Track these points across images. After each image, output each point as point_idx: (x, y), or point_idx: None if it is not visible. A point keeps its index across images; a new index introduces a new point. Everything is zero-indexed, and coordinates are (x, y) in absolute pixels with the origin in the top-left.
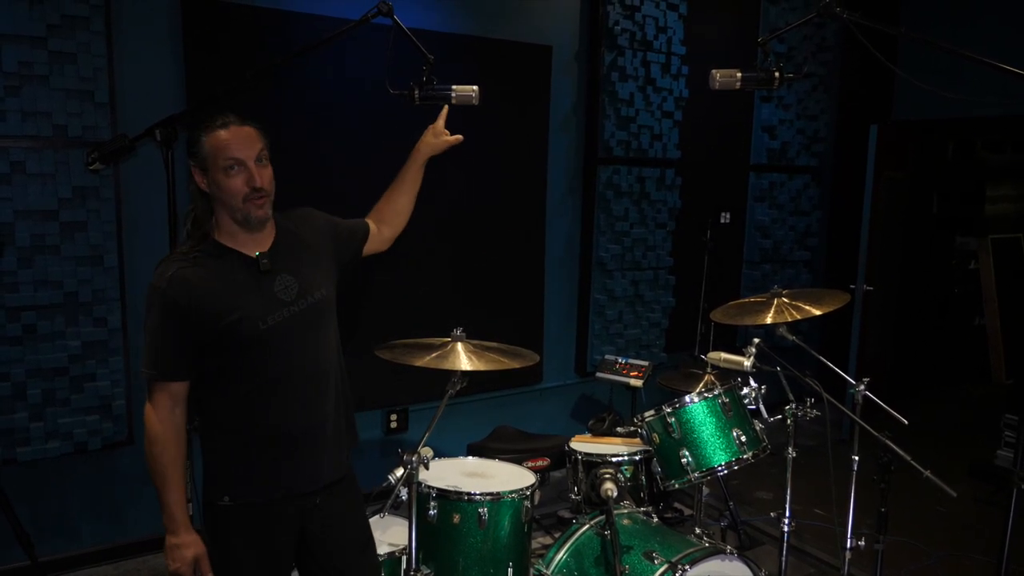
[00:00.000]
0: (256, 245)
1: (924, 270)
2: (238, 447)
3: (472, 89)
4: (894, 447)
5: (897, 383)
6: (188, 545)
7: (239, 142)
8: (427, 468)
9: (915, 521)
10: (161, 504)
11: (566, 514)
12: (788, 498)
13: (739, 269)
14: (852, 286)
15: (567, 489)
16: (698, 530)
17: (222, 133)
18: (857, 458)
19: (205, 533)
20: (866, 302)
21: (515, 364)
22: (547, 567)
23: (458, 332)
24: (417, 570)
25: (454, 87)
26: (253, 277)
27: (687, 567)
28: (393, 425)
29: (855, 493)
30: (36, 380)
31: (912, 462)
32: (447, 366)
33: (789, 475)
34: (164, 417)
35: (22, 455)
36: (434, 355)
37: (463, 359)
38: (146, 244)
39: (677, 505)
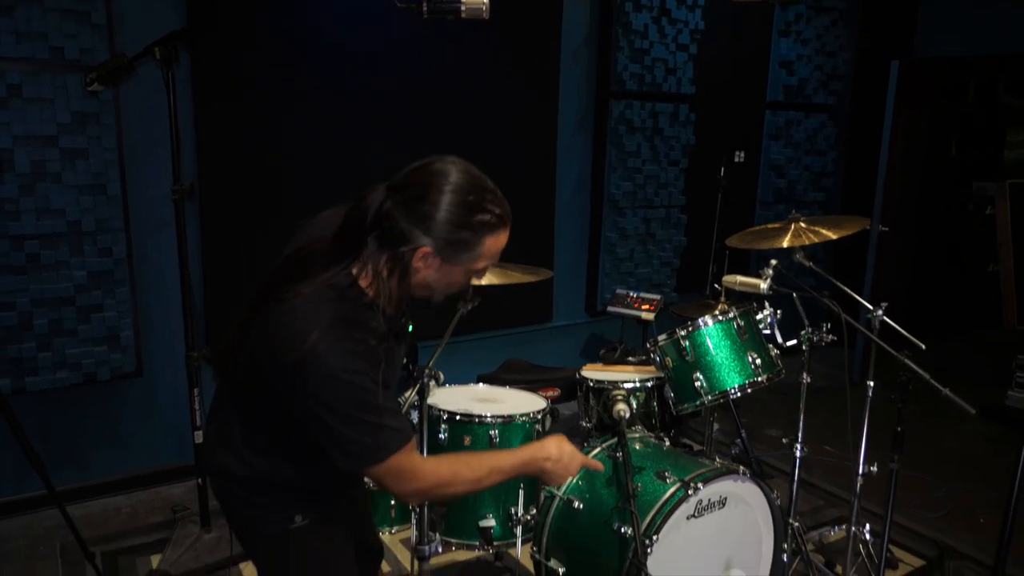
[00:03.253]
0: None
1: (940, 214)
2: (323, 484)
3: (482, 1)
4: (913, 365)
5: (910, 328)
6: (555, 443)
7: None
8: (439, 384)
9: (925, 457)
10: (514, 473)
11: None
12: (801, 423)
13: (752, 209)
14: (867, 227)
15: (578, 424)
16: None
17: (505, 235)
18: (872, 384)
19: (284, 560)
20: (880, 243)
21: (529, 278)
22: (558, 489)
23: None
24: None
25: None
26: (393, 344)
27: (700, 485)
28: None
29: (868, 420)
30: (42, 310)
31: (931, 380)
32: None
33: (803, 402)
34: (426, 460)
35: (31, 385)
36: None
37: None
38: (149, 173)
39: (686, 441)
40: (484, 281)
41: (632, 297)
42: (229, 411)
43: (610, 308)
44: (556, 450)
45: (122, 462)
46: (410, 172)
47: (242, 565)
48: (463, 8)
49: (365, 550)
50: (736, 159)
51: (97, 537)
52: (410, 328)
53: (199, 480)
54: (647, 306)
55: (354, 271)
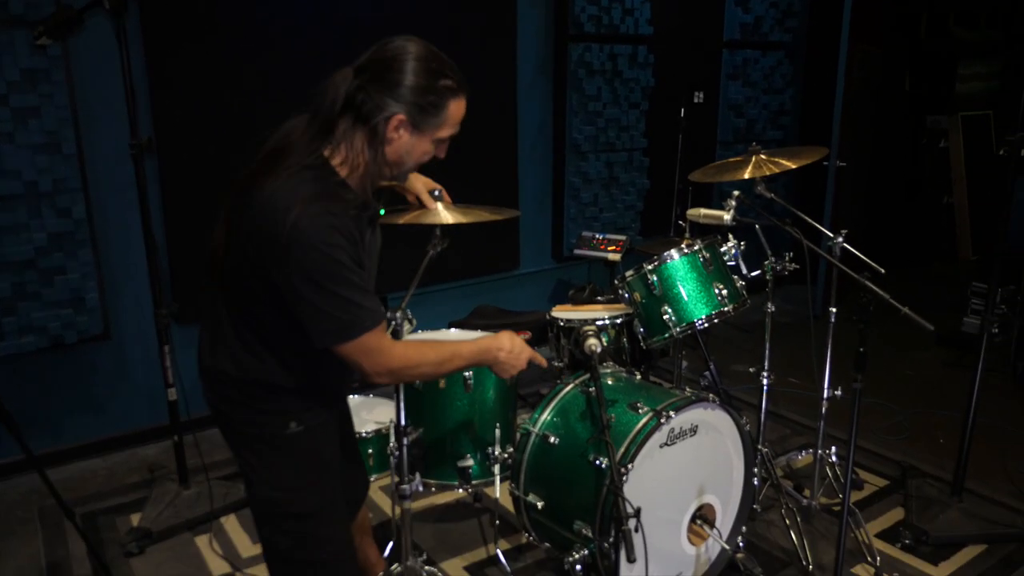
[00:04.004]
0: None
1: (895, 148)
2: (314, 387)
3: None
4: (873, 286)
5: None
6: (508, 336)
7: None
8: (412, 324)
9: (885, 384)
10: (472, 360)
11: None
12: (767, 352)
13: (713, 150)
14: (825, 163)
15: (550, 365)
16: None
17: (464, 103)
18: (835, 310)
19: (277, 463)
20: (838, 179)
21: (495, 216)
22: (533, 426)
23: (435, 193)
24: (407, 428)
25: None
26: (371, 234)
27: (671, 414)
28: None
29: (832, 348)
30: (3, 274)
31: (890, 300)
32: (429, 220)
33: (768, 331)
34: (395, 343)
35: None
36: (414, 214)
37: (444, 214)
38: (105, 129)
39: (655, 379)
40: (451, 220)
41: (598, 239)
42: (221, 313)
43: (577, 251)
44: (508, 342)
45: (95, 425)
46: (372, 52)
47: (223, 519)
48: None
49: (352, 474)
50: (696, 100)
51: (75, 499)
52: (381, 212)
53: (175, 438)
54: (613, 247)
55: (326, 153)
